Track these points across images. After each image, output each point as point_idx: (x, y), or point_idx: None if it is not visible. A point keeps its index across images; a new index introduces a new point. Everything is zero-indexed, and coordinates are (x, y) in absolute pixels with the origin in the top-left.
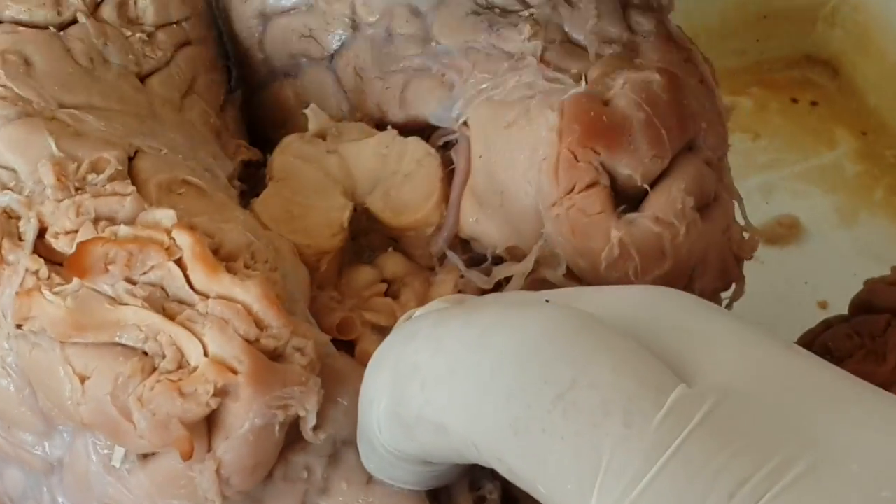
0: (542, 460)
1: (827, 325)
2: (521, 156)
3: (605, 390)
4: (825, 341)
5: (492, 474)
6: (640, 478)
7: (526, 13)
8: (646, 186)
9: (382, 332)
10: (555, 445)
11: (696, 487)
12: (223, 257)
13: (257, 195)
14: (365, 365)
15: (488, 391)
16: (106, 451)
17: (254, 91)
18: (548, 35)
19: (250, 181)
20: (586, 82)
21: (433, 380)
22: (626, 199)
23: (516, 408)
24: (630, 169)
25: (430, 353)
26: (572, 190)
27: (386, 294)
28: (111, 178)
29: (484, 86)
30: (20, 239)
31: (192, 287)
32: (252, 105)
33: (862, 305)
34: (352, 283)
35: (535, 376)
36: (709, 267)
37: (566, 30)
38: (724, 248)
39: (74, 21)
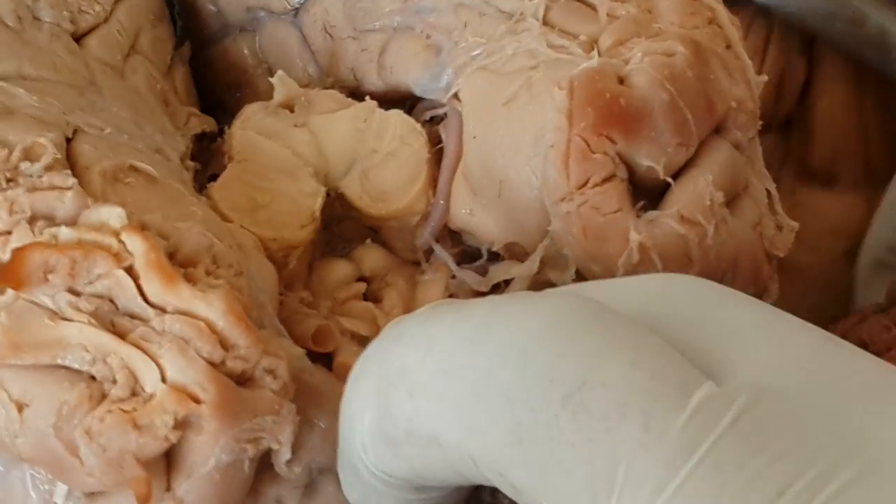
0: (549, 471)
1: (862, 316)
2: (523, 140)
3: (620, 389)
4: (860, 334)
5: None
6: (663, 488)
7: None
8: (668, 179)
9: (363, 342)
10: (563, 454)
11: (726, 499)
12: (180, 263)
13: (212, 175)
14: (344, 380)
15: (485, 393)
16: (46, 487)
17: (202, 46)
18: None
19: (202, 155)
20: (598, 53)
21: (423, 385)
22: (646, 192)
23: (518, 411)
24: (651, 160)
25: (419, 354)
26: (585, 184)
27: (365, 295)
28: (48, 168)
29: (477, 51)
30: None
31: (145, 299)
32: (199, 62)
33: None
34: (325, 281)
35: (540, 375)
36: (740, 270)
37: None
38: (755, 247)
39: None
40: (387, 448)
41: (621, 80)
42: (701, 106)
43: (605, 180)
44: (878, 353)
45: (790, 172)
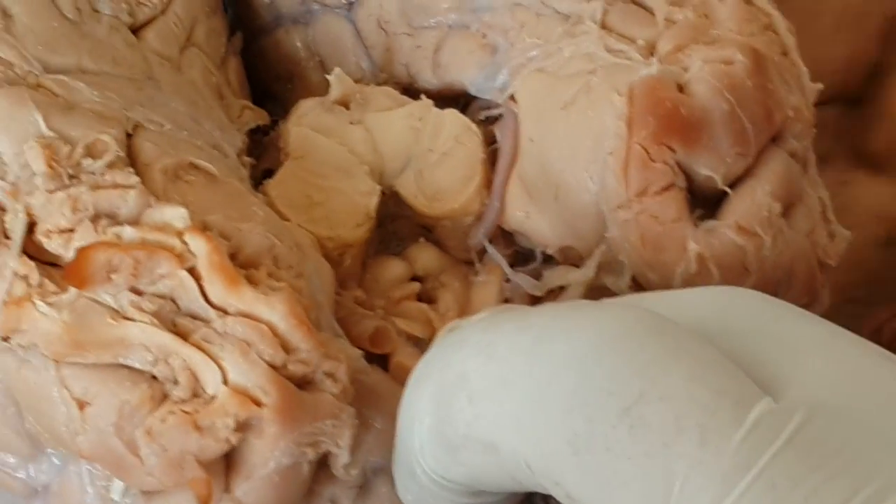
0: (604, 483)
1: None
2: (581, 145)
3: (678, 403)
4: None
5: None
6: None
7: None
8: (726, 189)
9: (419, 343)
10: (620, 466)
11: None
12: (242, 264)
13: (265, 170)
14: (400, 381)
15: (543, 403)
16: (103, 483)
17: (253, 36)
18: None
19: (255, 149)
20: (657, 59)
21: (483, 391)
22: (703, 201)
23: (576, 423)
24: (710, 169)
25: (479, 361)
26: (644, 192)
27: (419, 295)
28: (110, 165)
29: (534, 52)
30: (6, 236)
31: (207, 301)
32: (250, 52)
33: None
34: (378, 279)
35: (598, 387)
36: (795, 280)
37: None
38: (809, 256)
39: None
40: (444, 452)
41: (680, 88)
42: (760, 115)
43: (665, 189)
44: None
45: (844, 149)
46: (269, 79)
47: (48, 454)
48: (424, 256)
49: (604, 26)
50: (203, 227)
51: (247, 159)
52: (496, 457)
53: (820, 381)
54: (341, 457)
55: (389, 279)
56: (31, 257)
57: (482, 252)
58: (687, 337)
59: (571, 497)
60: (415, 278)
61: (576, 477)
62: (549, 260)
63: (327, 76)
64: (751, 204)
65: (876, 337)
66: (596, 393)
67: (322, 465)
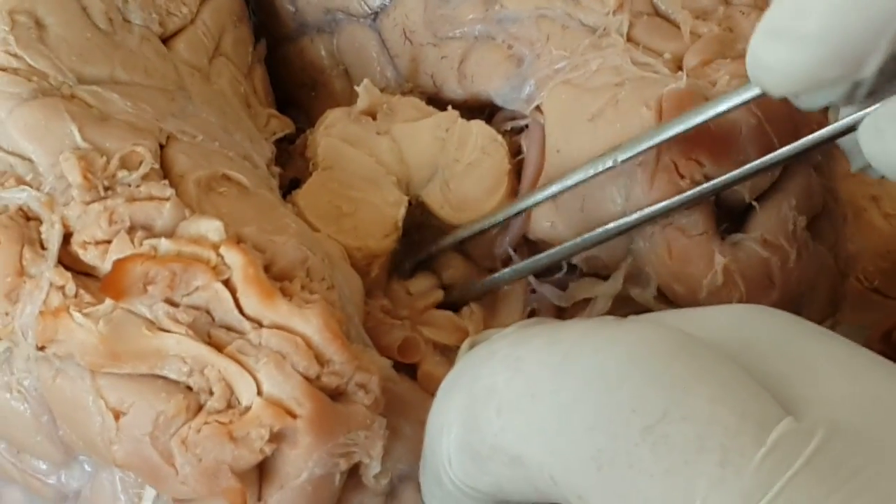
0: (626, 499)
1: None
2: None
3: (700, 423)
4: None
5: None
6: None
7: None
8: (753, 202)
9: (445, 351)
10: (642, 483)
11: None
12: (276, 276)
13: (292, 179)
14: (428, 390)
15: (570, 419)
16: (136, 490)
17: (278, 44)
18: (634, 6)
19: (280, 158)
20: (684, 72)
21: (511, 404)
22: (728, 213)
23: (600, 439)
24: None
25: (508, 374)
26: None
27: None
28: (145, 177)
29: (561, 64)
30: (42, 247)
31: (242, 313)
32: (274, 59)
33: None
34: (405, 289)
35: (623, 404)
36: (818, 293)
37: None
38: (832, 269)
39: None
40: (471, 462)
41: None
42: (787, 130)
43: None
44: None
45: None
46: (292, 86)
47: (80, 461)
48: (449, 265)
49: (630, 39)
50: (238, 240)
51: (275, 169)
52: (522, 468)
53: (839, 401)
54: (372, 467)
55: (416, 289)
56: (66, 268)
57: (507, 261)
58: (711, 356)
59: None
60: (440, 287)
61: (599, 492)
62: (573, 270)
63: (353, 85)
64: (776, 218)
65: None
66: (620, 410)
67: (351, 473)
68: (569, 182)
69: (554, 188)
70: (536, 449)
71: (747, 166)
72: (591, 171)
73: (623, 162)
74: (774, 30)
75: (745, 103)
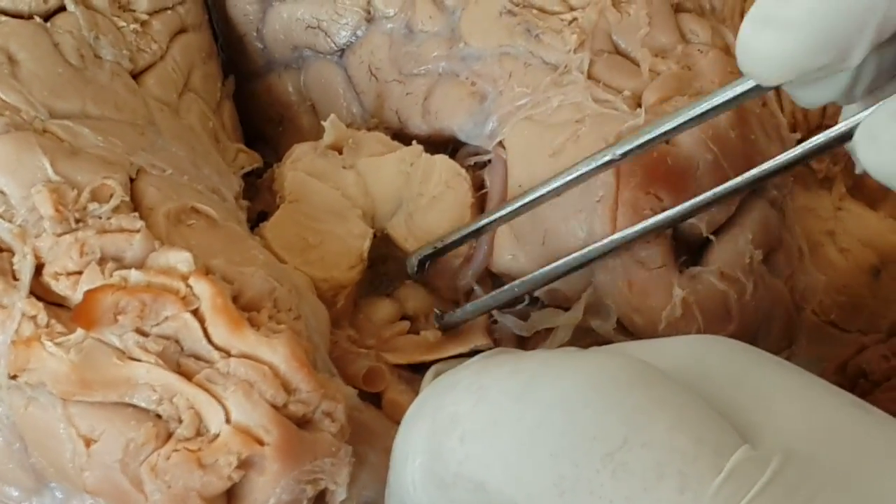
0: None
1: (861, 346)
2: (570, 192)
3: (659, 450)
4: (860, 364)
5: None
6: None
7: (568, 16)
8: (710, 236)
9: (410, 380)
10: None
11: None
12: (244, 306)
13: (260, 213)
14: (393, 418)
15: (531, 446)
16: None
17: (246, 80)
18: (594, 44)
19: (248, 191)
20: (643, 109)
21: (474, 432)
22: (686, 247)
23: (562, 466)
24: (694, 217)
25: (471, 403)
26: (632, 239)
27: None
28: (116, 210)
29: (523, 101)
30: (14, 278)
31: (210, 342)
32: (242, 95)
33: None
34: (370, 319)
35: (584, 432)
36: (774, 325)
37: (614, 38)
38: (788, 302)
39: (62, 9)
40: (436, 489)
41: (666, 140)
42: (742, 165)
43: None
44: (877, 383)
45: (845, 178)
46: (260, 121)
47: (51, 488)
48: (414, 297)
49: (590, 76)
50: (206, 271)
51: (244, 202)
52: (485, 495)
53: (794, 429)
54: (339, 493)
55: (380, 319)
56: (38, 298)
57: (469, 293)
58: (669, 385)
59: None
60: (405, 318)
61: None
62: (535, 302)
63: (320, 120)
64: (733, 252)
65: (842, 370)
66: (581, 438)
67: (318, 500)
68: (568, 177)
69: (555, 184)
70: (499, 476)
71: (710, 192)
72: (593, 165)
73: (622, 156)
74: (761, 17)
75: (739, 97)
